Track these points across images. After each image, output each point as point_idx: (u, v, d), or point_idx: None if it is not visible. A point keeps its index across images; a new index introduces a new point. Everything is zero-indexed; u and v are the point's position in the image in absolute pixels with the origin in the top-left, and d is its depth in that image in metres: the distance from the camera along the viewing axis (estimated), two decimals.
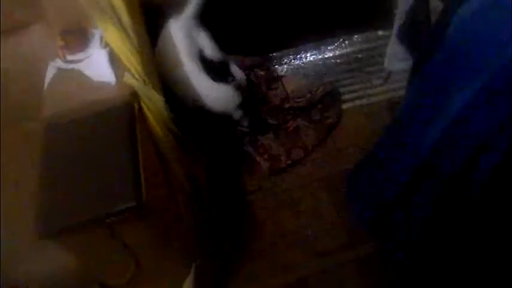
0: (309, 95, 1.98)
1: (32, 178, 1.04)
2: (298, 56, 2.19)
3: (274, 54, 2.20)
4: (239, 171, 1.82)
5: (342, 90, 2.04)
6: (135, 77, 1.18)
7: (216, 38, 1.85)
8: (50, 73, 1.23)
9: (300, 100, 1.97)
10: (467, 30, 0.87)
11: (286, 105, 1.95)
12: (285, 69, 2.18)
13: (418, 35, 1.12)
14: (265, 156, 1.80)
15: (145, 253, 1.12)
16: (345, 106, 1.99)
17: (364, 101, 2.00)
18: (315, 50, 2.20)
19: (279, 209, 1.70)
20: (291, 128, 1.88)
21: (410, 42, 1.28)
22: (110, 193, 0.97)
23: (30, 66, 1.29)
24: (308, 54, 2.20)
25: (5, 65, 1.33)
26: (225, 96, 1.70)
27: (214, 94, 1.64)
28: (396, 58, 1.63)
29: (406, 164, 1.07)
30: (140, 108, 1.19)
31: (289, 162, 1.79)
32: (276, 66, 2.16)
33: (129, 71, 1.18)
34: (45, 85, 1.23)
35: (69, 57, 1.21)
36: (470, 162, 1.01)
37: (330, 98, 1.98)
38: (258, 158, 1.81)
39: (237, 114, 1.80)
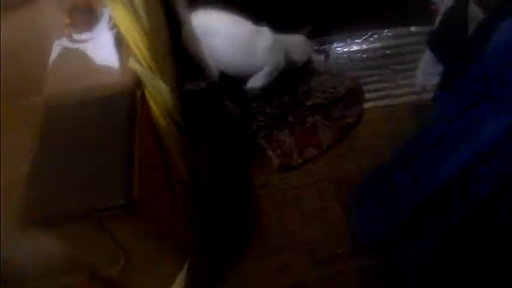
0: (331, 90, 1.88)
1: (28, 159, 1.01)
2: (323, 47, 2.08)
3: None
4: (248, 164, 1.76)
5: (365, 87, 1.93)
6: (140, 63, 1.13)
7: None
8: (55, 51, 1.18)
9: (321, 95, 1.87)
10: (509, 48, 0.76)
11: (308, 102, 1.85)
12: None
13: (451, 44, 1.00)
14: (278, 152, 1.73)
15: (135, 247, 1.08)
16: (366, 105, 1.88)
17: (388, 101, 1.88)
18: (341, 42, 2.08)
19: (284, 207, 1.64)
20: (308, 125, 1.80)
21: (441, 50, 1.15)
22: (100, 187, 0.93)
23: (38, 41, 1.25)
24: (333, 46, 2.08)
25: (13, 36, 1.29)
26: (306, 43, 1.87)
27: (300, 43, 1.83)
28: (430, 72, 1.49)
29: (421, 188, 0.98)
30: (143, 95, 1.14)
31: (301, 161, 1.71)
32: None
33: (135, 55, 1.12)
34: (50, 62, 1.19)
35: (75, 36, 1.16)
36: (501, 191, 0.91)
37: (353, 95, 1.88)
38: (269, 153, 1.75)
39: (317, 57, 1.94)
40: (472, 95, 0.85)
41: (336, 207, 1.60)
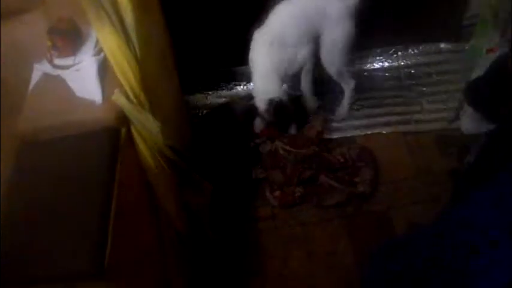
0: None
1: None
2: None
3: None
4: (253, 195, 1.61)
5: (386, 110, 1.75)
6: (127, 95, 0.98)
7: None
8: (35, 76, 1.05)
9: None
10: None
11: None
12: None
13: (495, 103, 0.80)
14: (276, 194, 1.57)
15: None
16: (385, 130, 1.70)
17: (410, 127, 1.69)
18: (362, 59, 1.89)
19: (290, 245, 1.48)
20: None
21: (482, 106, 0.93)
22: (70, 247, 0.80)
23: (19, 61, 1.12)
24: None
25: None
26: None
27: None
28: (475, 118, 1.21)
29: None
30: (129, 133, 1.00)
31: (302, 190, 1.54)
32: None
33: (121, 86, 0.98)
34: (29, 88, 1.06)
35: (56, 61, 1.02)
36: None
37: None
38: (267, 194, 1.58)
39: None
40: None
41: (346, 250, 1.43)
